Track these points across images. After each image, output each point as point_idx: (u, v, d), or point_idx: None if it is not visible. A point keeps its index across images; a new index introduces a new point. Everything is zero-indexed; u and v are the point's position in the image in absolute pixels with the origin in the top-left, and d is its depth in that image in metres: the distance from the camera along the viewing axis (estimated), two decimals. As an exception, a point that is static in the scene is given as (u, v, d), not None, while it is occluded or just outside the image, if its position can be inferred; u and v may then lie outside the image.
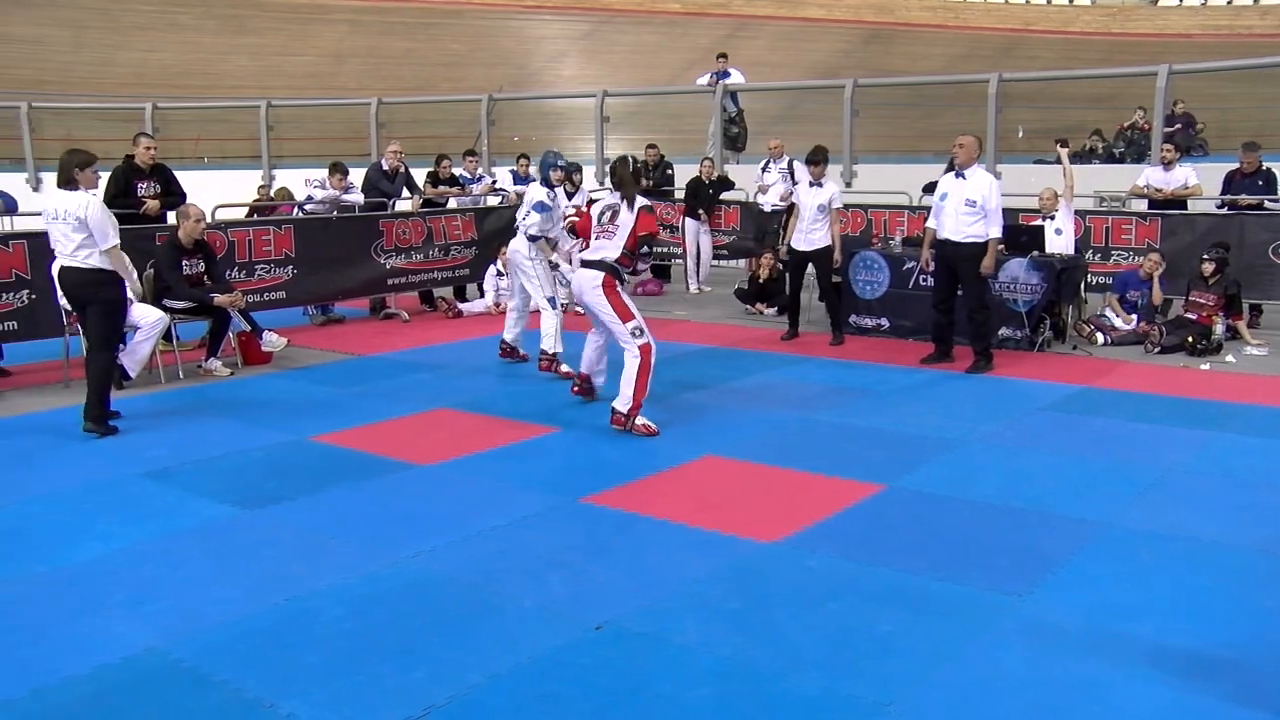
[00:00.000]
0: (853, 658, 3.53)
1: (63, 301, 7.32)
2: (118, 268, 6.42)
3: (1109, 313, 9.35)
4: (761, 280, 10.91)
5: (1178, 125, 15.34)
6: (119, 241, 6.41)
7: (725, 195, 12.56)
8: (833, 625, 3.78)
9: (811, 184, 9.27)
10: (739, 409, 6.90)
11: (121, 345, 7.45)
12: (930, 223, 8.26)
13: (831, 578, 4.20)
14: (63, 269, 6.51)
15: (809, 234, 9.21)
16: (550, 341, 7.80)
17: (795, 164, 12.03)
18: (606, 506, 5.05)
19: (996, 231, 7.90)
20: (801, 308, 9.60)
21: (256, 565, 4.39)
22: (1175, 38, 29.81)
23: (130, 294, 7.04)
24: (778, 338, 9.39)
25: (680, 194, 12.75)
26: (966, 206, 7.85)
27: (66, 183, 6.37)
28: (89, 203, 6.33)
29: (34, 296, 7.85)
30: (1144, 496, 5.15)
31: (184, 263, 8.06)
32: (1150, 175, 10.46)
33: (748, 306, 10.85)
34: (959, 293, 8.15)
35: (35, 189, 16.45)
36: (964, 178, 7.93)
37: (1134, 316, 9.18)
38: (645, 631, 3.73)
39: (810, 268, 9.40)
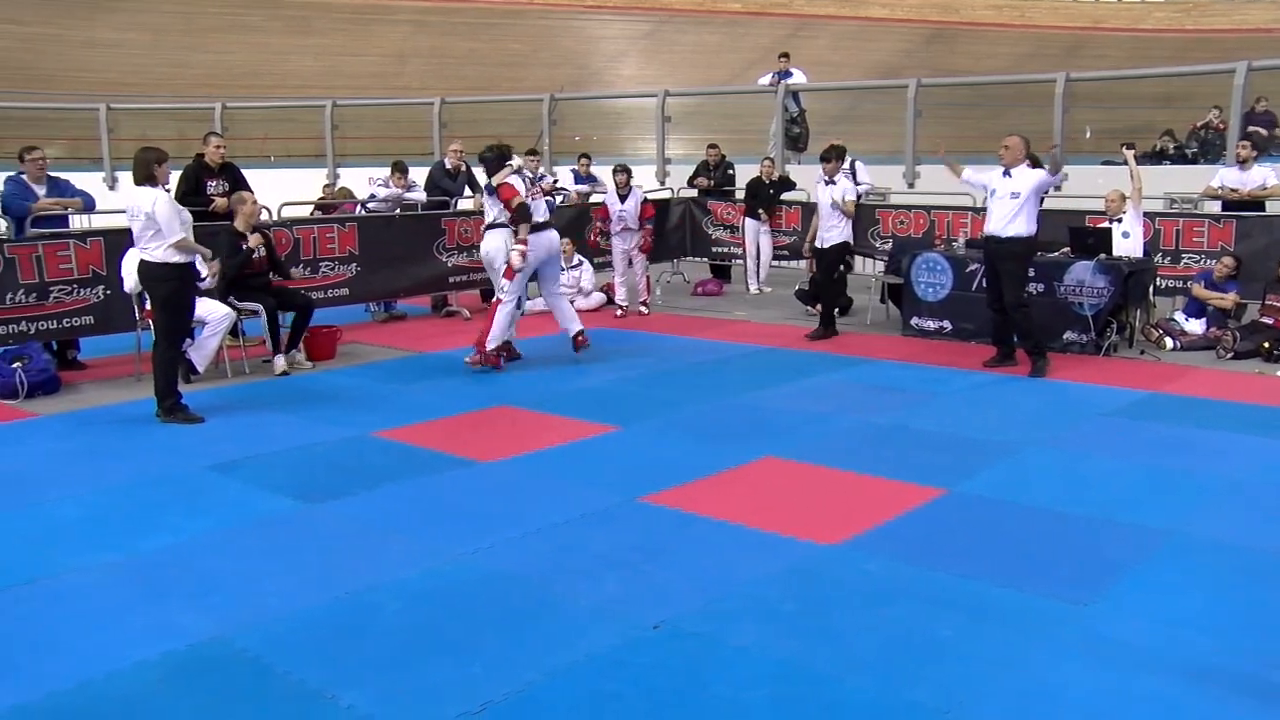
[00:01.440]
0: (911, 663, 3.50)
1: (129, 288, 7.58)
2: (188, 254, 6.65)
3: (1179, 316, 9.14)
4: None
5: (1259, 125, 14.86)
6: (186, 235, 6.62)
7: (786, 195, 12.49)
8: (891, 629, 3.74)
9: (827, 182, 9.29)
10: (798, 410, 6.86)
11: (190, 339, 7.63)
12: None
13: (890, 581, 4.16)
14: (139, 261, 6.77)
15: (826, 232, 9.42)
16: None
17: (857, 164, 11.94)
18: (664, 506, 5.05)
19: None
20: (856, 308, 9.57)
21: (318, 558, 4.46)
22: (1254, 33, 28.95)
23: (205, 272, 7.31)
24: (836, 339, 9.32)
25: (741, 194, 12.71)
26: (1011, 199, 7.86)
27: (146, 179, 6.59)
28: (157, 198, 6.57)
29: (109, 292, 8.06)
30: (1213, 505, 5.02)
31: (242, 247, 8.23)
32: (1225, 176, 10.17)
33: (808, 308, 10.78)
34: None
35: (112, 188, 16.89)
36: (1010, 176, 7.92)
37: (1203, 321, 8.96)
38: (702, 632, 3.73)
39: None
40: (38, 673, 3.48)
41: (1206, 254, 9.60)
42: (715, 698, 3.30)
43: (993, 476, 5.45)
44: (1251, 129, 11.89)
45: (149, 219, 6.56)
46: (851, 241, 9.42)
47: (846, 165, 11.89)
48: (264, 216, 8.59)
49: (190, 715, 3.24)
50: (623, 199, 10.73)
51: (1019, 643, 3.63)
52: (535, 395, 7.38)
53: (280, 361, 8.26)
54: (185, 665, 3.53)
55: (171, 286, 6.65)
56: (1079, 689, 3.33)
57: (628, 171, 10.87)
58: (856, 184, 11.82)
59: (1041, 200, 8.22)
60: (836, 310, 10.41)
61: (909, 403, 7.06)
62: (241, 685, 3.41)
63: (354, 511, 5.04)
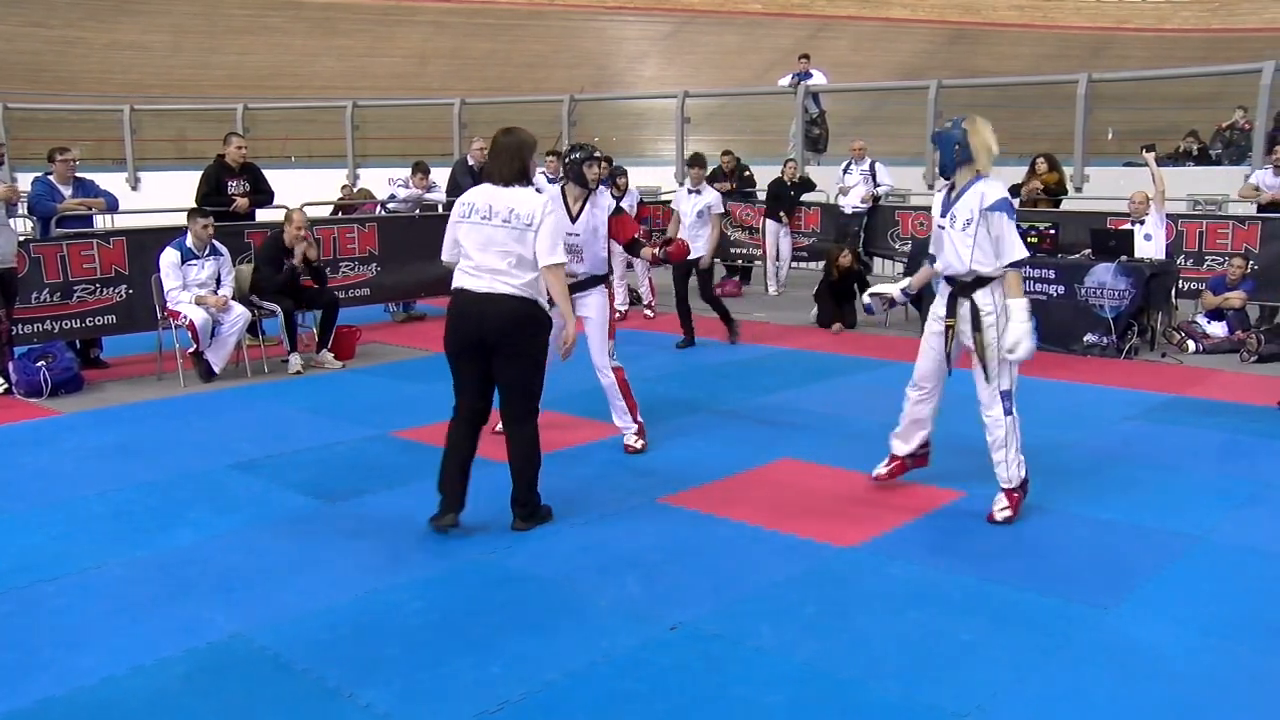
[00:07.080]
0: (932, 666, 3.48)
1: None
2: None
3: (1201, 319, 9.06)
4: (835, 275, 10.55)
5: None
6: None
7: (806, 197, 12.48)
8: (912, 632, 3.73)
9: (690, 190, 9.00)
10: (816, 411, 6.84)
11: (210, 341, 7.71)
12: None
13: (911, 584, 4.14)
14: None
15: (692, 241, 8.51)
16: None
17: (877, 165, 11.90)
18: (683, 507, 5.05)
19: None
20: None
21: (339, 557, 4.48)
22: (1283, 32, 28.70)
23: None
24: (857, 340, 9.28)
25: (763, 195, 12.70)
26: None
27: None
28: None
29: (131, 291, 8.13)
30: (1240, 510, 4.98)
31: (285, 263, 8.27)
32: (1261, 178, 10.04)
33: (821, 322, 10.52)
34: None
35: (135, 188, 17.03)
36: None
37: (1224, 324, 8.87)
38: (721, 633, 3.72)
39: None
40: (64, 668, 3.51)
41: (1230, 256, 9.50)
42: (735, 699, 3.29)
43: (1014, 479, 5.41)
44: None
45: None
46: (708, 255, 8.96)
47: (866, 166, 11.89)
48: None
49: (211, 713, 3.25)
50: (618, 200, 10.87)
51: (1041, 647, 3.61)
52: (552, 395, 7.37)
53: (295, 361, 8.24)
54: (207, 662, 3.55)
55: None
56: (1100, 694, 3.31)
57: (625, 174, 11.19)
58: (876, 185, 11.80)
59: None
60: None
61: (929, 405, 7.01)
62: (261, 683, 3.43)
63: (373, 511, 5.07)
